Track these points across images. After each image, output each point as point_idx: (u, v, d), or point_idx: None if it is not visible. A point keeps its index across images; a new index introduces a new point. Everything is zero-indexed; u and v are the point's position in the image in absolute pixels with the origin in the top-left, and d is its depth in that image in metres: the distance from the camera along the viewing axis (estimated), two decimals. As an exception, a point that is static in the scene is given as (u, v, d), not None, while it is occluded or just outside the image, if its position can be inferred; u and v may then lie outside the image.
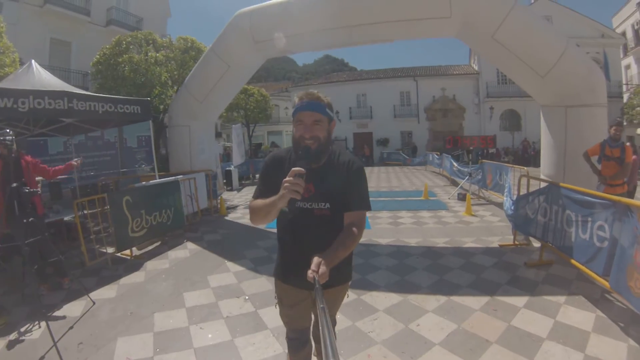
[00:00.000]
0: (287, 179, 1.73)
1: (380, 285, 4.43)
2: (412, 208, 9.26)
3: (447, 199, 10.44)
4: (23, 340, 3.45)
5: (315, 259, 1.63)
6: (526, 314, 3.57)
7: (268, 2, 8.45)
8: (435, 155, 18.61)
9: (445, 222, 7.55)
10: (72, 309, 3.98)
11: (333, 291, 2.17)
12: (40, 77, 6.65)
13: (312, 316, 2.37)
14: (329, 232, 1.93)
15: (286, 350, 2.50)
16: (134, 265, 5.48)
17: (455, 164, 13.47)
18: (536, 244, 5.48)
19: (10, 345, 3.38)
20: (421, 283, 4.41)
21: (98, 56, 13.61)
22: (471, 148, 15.63)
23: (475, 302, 3.81)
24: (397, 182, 15.91)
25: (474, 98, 30.15)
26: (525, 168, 7.27)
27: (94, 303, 4.10)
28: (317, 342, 2.45)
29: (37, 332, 3.57)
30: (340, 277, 2.05)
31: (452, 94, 30.74)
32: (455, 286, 4.26)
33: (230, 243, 6.54)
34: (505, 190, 6.28)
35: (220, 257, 5.79)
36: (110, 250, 5.72)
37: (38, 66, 6.96)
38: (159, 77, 12.99)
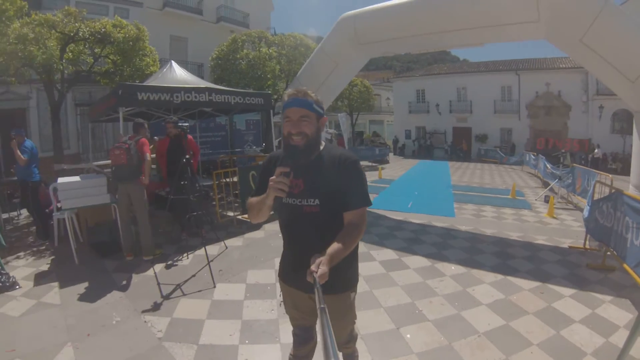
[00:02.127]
0: (272, 177, 1.85)
1: (451, 259, 5.42)
2: (497, 204, 9.81)
3: (533, 200, 10.72)
4: (177, 265, 5.16)
5: (316, 259, 1.65)
6: (569, 301, 4.13)
7: (370, 8, 9.38)
8: (532, 156, 18.29)
9: (524, 220, 8.07)
10: (210, 250, 5.33)
11: (335, 298, 2.06)
12: (180, 73, 8.48)
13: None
14: (319, 230, 1.98)
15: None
16: (254, 226, 6.98)
17: (548, 165, 13.44)
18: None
19: (168, 267, 5.11)
20: (485, 263, 5.27)
21: (216, 52, 15.75)
22: (563, 150, 15.32)
23: (527, 284, 4.55)
24: (489, 179, 16.22)
25: (581, 95, 26.80)
26: (610, 176, 7.48)
27: (226, 247, 5.58)
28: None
29: (185, 261, 5.28)
30: (343, 283, 2.02)
31: (557, 89, 27.90)
32: (514, 270, 5.01)
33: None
34: (588, 195, 6.51)
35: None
36: (232, 214, 7.51)
37: (176, 65, 8.80)
38: (272, 71, 14.70)
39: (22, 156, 6.28)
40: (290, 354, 2.42)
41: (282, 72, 15.44)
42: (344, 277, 1.99)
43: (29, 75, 10.48)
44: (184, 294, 4.28)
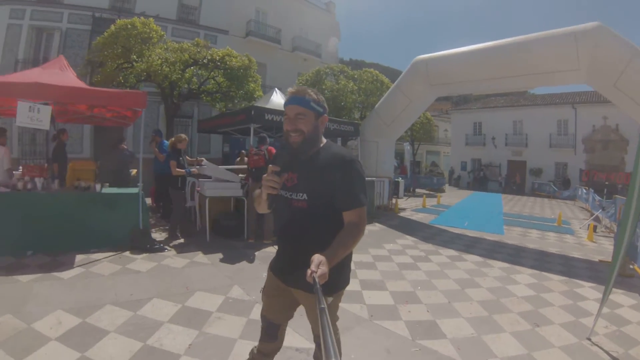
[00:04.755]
0: (264, 175, 1.96)
1: (498, 260, 7.13)
2: (542, 229, 11.22)
3: (578, 228, 11.97)
4: None
5: (316, 258, 1.62)
6: (588, 291, 5.52)
7: (442, 54, 11.24)
8: (584, 190, 19.08)
9: (564, 242, 9.49)
10: None
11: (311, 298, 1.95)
12: (281, 99, 10.55)
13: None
14: (305, 225, 2.05)
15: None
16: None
17: (596, 198, 14.58)
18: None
19: None
20: (525, 264, 6.94)
21: (300, 81, 18.38)
22: (606, 183, 16.25)
23: (556, 277, 6.18)
24: (539, 210, 17.42)
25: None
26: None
27: None
28: (319, 346, 2.36)
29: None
30: (324, 286, 1.56)
31: (614, 123, 27.08)
32: (547, 269, 6.65)
33: (402, 228, 9.73)
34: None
35: (398, 232, 9.10)
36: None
37: (279, 91, 10.95)
38: (353, 103, 17.08)
39: (160, 154, 8.44)
40: (255, 347, 2.61)
41: (359, 103, 17.71)
42: (332, 278, 1.66)
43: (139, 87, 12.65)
44: None
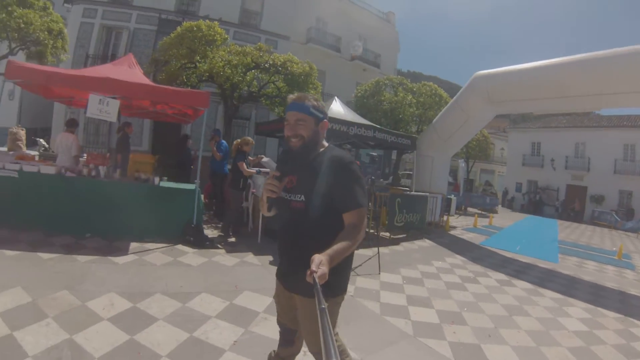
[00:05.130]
0: (266, 180, 2.05)
1: (550, 289, 6.81)
2: (600, 261, 10.66)
3: None
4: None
5: (316, 258, 1.64)
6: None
7: (503, 70, 10.90)
8: None
9: (623, 277, 8.98)
10: (365, 252, 7.33)
11: (307, 302, 2.07)
12: (341, 108, 10.55)
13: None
14: (303, 226, 2.09)
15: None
16: (393, 241, 9.06)
17: None
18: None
19: None
20: (579, 296, 6.62)
21: (360, 91, 18.47)
22: None
23: (611, 314, 5.82)
24: (598, 241, 16.51)
25: None
26: None
27: (378, 252, 7.10)
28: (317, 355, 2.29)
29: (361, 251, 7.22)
30: (326, 287, 1.53)
31: None
32: (603, 304, 6.29)
33: (452, 246, 9.55)
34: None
35: (447, 250, 8.96)
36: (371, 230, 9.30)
37: (339, 100, 10.95)
38: (411, 116, 17.00)
39: (218, 153, 8.68)
40: (273, 350, 2.67)
41: (416, 117, 17.61)
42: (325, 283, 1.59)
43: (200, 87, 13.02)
44: (358, 275, 6.16)
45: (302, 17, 23.72)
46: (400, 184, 19.13)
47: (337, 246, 1.83)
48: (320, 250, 1.77)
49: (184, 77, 12.53)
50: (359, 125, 9.34)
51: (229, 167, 8.53)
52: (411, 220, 9.96)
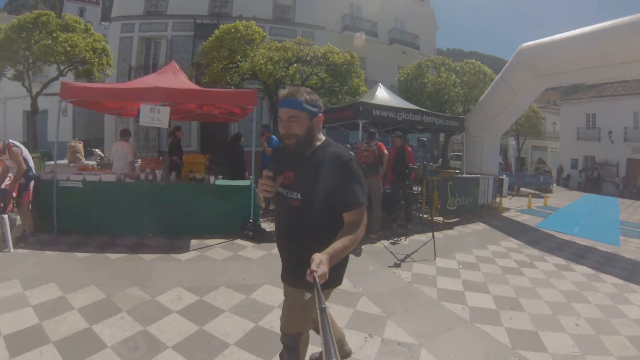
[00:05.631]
0: (260, 179, 2.08)
1: (611, 274, 6.45)
2: None
3: None
4: (399, 243, 7.36)
5: (316, 257, 1.64)
6: None
7: (550, 39, 10.30)
8: None
9: None
10: (421, 237, 7.48)
11: (294, 291, 2.25)
12: (386, 94, 10.49)
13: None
14: (299, 223, 2.11)
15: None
16: (446, 226, 9.02)
17: None
18: None
19: (393, 243, 7.33)
20: None
21: (402, 75, 18.17)
22: None
23: None
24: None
25: None
26: None
27: (433, 237, 7.07)
28: (285, 346, 2.46)
29: (404, 241, 7.48)
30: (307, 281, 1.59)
31: None
32: None
33: (506, 229, 9.32)
34: None
35: (502, 233, 8.78)
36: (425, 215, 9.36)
37: (383, 86, 10.86)
38: (456, 96, 16.63)
39: (268, 148, 8.88)
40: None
41: (462, 96, 17.16)
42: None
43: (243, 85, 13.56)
44: (414, 260, 6.28)
45: (335, 6, 23.67)
46: (450, 166, 18.78)
47: (336, 245, 1.83)
48: (317, 246, 1.78)
49: (228, 77, 12.86)
50: (406, 111, 9.31)
51: None
52: (464, 203, 9.85)
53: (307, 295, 2.17)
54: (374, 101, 9.48)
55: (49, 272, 4.96)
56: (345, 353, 3.06)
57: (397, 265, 5.99)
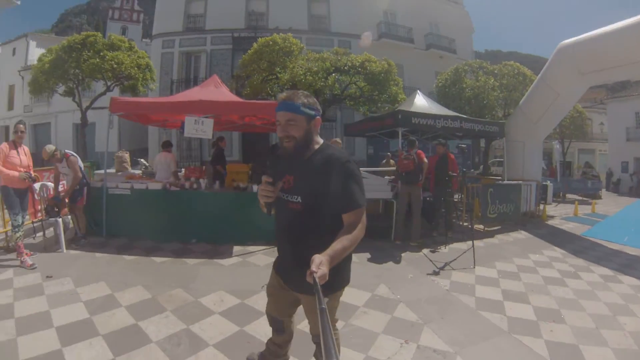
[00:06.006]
0: (260, 185, 2.11)
1: None
2: None
3: None
4: (438, 252, 7.32)
5: (316, 259, 1.65)
6: None
7: (591, 35, 9.88)
8: None
9: None
10: (461, 246, 7.44)
11: (308, 298, 2.22)
12: (424, 101, 10.40)
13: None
14: (300, 227, 2.13)
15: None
16: (487, 234, 8.89)
17: None
18: None
19: (432, 251, 7.29)
20: None
21: (440, 81, 18.04)
22: None
23: None
24: None
25: None
26: None
27: (473, 245, 6.91)
28: (318, 346, 2.46)
29: (443, 250, 7.44)
30: (325, 284, 1.60)
31: None
32: None
33: (550, 238, 9.03)
34: None
35: (545, 242, 8.55)
36: (466, 223, 9.27)
37: (421, 93, 10.78)
38: (495, 100, 16.36)
39: None
40: (270, 339, 2.85)
41: (501, 100, 16.81)
42: (331, 279, 1.70)
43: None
44: (453, 269, 6.26)
45: (369, 14, 23.74)
46: (491, 172, 18.39)
47: (336, 246, 1.84)
48: (318, 249, 1.79)
49: (268, 88, 13.21)
50: (445, 117, 9.29)
51: None
52: (505, 210, 9.67)
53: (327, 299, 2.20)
54: (412, 109, 9.51)
55: (99, 272, 5.44)
56: None
57: (435, 273, 6.01)
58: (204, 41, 22.22)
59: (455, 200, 8.40)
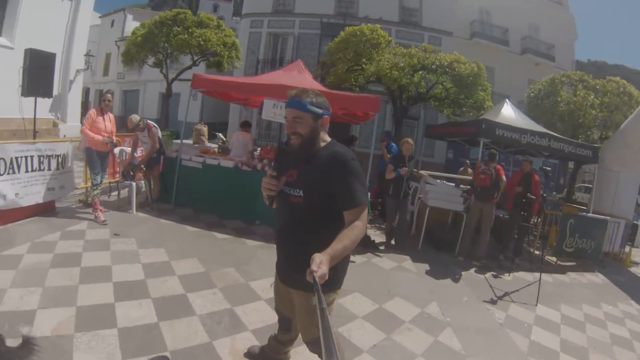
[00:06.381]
0: (263, 178, 2.17)
1: None
2: None
3: None
4: (501, 278, 6.88)
5: (317, 258, 1.67)
6: None
7: None
8: None
9: None
10: (527, 276, 6.93)
11: (302, 295, 2.26)
12: (512, 112, 9.66)
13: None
14: (299, 221, 2.17)
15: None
16: (558, 269, 8.13)
17: None
18: None
19: (494, 276, 6.87)
20: None
21: (533, 91, 16.64)
22: None
23: None
24: None
25: None
26: None
27: (540, 279, 6.23)
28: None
29: (507, 277, 6.97)
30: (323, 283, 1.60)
31: None
32: None
33: (629, 288, 7.86)
34: None
35: (622, 292, 7.53)
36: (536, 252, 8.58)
37: (510, 103, 10.05)
38: (593, 120, 14.73)
39: (388, 155, 8.82)
40: (274, 335, 2.90)
41: (600, 120, 15.16)
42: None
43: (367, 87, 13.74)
44: (513, 301, 5.80)
45: (464, 10, 22.34)
46: (575, 199, 16.88)
47: (336, 245, 1.85)
48: (316, 245, 1.83)
49: (352, 79, 13.01)
50: (532, 133, 8.63)
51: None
52: (584, 246, 8.71)
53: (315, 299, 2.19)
54: (498, 119, 9.01)
55: (161, 238, 5.89)
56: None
57: (492, 302, 5.63)
58: (292, 24, 22.23)
59: (531, 224, 7.73)
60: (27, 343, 2.23)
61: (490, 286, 6.24)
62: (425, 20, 21.69)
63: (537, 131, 8.91)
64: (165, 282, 4.39)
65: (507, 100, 10.37)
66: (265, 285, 4.65)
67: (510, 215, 7.89)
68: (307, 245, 1.90)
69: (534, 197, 7.23)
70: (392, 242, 7.48)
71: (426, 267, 6.57)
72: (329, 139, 2.27)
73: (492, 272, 7.00)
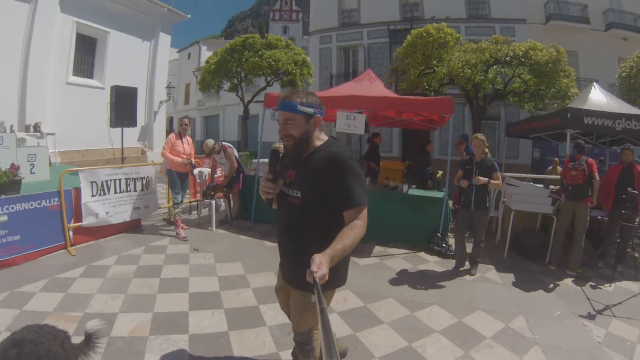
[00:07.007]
0: (261, 181, 2.21)
1: None
2: None
3: None
4: (601, 289, 5.71)
5: (317, 258, 1.67)
6: None
7: None
8: None
9: None
10: (632, 287, 5.83)
11: (299, 294, 2.29)
12: (603, 96, 8.40)
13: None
14: (299, 221, 2.17)
15: None
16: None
17: None
18: None
19: (593, 287, 5.75)
20: None
21: (624, 70, 14.63)
22: None
23: None
24: None
25: None
26: None
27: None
28: (298, 345, 2.51)
29: (607, 288, 5.76)
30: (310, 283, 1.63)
31: None
32: None
33: None
34: None
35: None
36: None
37: (599, 86, 8.75)
38: None
39: (466, 157, 8.30)
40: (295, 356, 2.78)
41: None
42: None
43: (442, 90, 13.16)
44: (615, 316, 4.77)
45: (536, -8, 20.60)
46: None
47: (336, 245, 1.84)
48: (317, 244, 1.84)
49: (425, 83, 12.70)
50: (628, 117, 7.31)
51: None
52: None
53: (314, 297, 2.07)
54: (585, 106, 7.81)
55: (239, 253, 6.12)
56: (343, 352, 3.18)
57: (590, 317, 4.69)
58: (360, 35, 22.38)
59: (635, 225, 6.72)
60: (90, 340, 2.45)
61: (588, 298, 5.24)
62: (495, 11, 20.38)
63: (634, 114, 7.59)
64: (239, 294, 4.58)
65: (594, 84, 9.06)
66: (339, 297, 4.60)
67: (610, 215, 6.72)
68: (307, 245, 1.95)
69: (635, 192, 6.04)
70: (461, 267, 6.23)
71: (512, 277, 5.87)
72: (325, 138, 2.26)
73: (590, 283, 5.91)
